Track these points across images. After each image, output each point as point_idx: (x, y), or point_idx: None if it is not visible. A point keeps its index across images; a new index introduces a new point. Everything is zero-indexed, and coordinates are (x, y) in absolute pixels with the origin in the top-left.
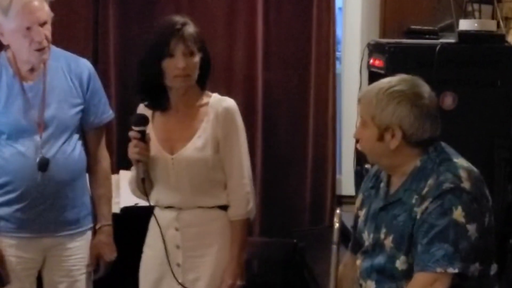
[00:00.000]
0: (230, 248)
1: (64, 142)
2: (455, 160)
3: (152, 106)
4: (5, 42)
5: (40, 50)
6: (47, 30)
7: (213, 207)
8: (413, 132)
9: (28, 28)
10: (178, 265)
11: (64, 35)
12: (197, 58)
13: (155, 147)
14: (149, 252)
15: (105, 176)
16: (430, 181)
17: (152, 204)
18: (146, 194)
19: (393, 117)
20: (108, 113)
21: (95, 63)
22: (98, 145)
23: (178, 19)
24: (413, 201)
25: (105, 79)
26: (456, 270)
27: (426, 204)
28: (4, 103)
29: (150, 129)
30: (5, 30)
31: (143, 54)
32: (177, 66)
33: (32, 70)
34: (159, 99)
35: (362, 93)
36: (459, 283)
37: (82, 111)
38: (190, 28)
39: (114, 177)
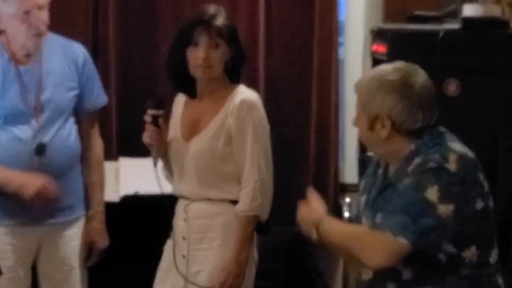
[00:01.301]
0: (233, 244)
1: (60, 127)
2: (448, 144)
3: (181, 92)
4: (1, 27)
5: (38, 35)
6: (45, 15)
7: (222, 201)
8: (402, 122)
9: (27, 12)
10: (184, 256)
11: (63, 22)
12: (221, 51)
13: (176, 133)
14: (168, 241)
15: (98, 162)
16: (417, 160)
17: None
18: (158, 179)
19: (382, 107)
20: (102, 98)
21: (94, 50)
22: (91, 130)
23: (210, 9)
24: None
25: (105, 66)
26: (406, 242)
27: (408, 179)
28: (0, 88)
29: (177, 115)
30: (2, 14)
31: (172, 39)
32: (198, 56)
33: (27, 55)
34: (186, 86)
35: (358, 80)
36: (454, 267)
37: (78, 95)
38: (219, 21)
39: (113, 164)
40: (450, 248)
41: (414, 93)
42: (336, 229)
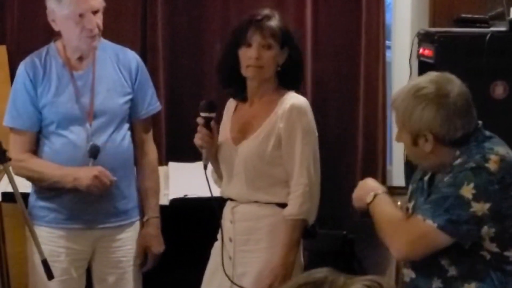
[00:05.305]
0: (280, 247)
1: (114, 131)
2: (493, 146)
3: (232, 94)
4: (56, 29)
5: (91, 37)
6: (99, 19)
7: (269, 203)
8: (444, 133)
9: (81, 15)
10: (230, 258)
11: (112, 28)
12: (273, 52)
13: (226, 136)
14: (215, 244)
15: (152, 168)
16: (459, 160)
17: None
18: (207, 181)
19: (421, 123)
20: (155, 105)
21: (143, 54)
22: (145, 137)
23: (264, 11)
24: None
25: (153, 71)
26: (433, 224)
27: (447, 177)
28: (54, 93)
29: (228, 118)
30: (58, 16)
31: (225, 40)
32: (250, 55)
33: (81, 58)
34: (238, 89)
35: (393, 97)
36: (498, 264)
37: (131, 101)
38: (273, 22)
39: (163, 169)
40: (493, 247)
41: (450, 102)
42: (381, 208)
